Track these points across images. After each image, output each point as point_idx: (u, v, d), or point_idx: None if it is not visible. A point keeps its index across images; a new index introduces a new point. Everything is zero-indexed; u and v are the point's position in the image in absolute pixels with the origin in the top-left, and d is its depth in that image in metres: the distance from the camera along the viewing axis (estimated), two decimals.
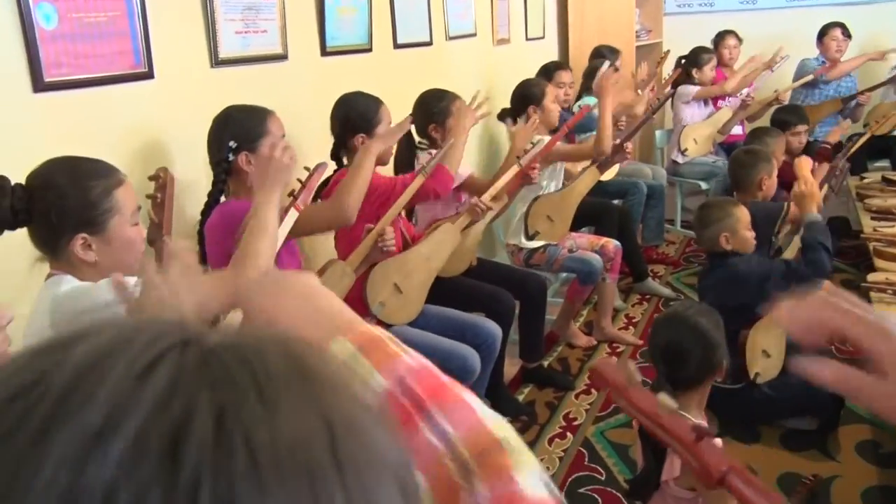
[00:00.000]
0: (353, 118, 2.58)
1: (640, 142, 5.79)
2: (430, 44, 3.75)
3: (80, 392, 0.33)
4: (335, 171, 2.64)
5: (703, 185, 5.12)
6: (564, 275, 3.77)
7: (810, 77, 5.29)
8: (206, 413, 0.33)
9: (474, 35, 4.25)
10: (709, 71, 5.20)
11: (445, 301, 2.91)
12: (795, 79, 5.39)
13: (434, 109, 3.09)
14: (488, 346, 2.79)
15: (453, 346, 2.63)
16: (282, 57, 2.74)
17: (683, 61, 5.22)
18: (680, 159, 5.21)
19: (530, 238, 3.60)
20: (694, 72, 5.19)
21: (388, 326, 2.63)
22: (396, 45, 3.45)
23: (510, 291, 3.09)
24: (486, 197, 2.84)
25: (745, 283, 2.66)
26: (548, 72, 4.42)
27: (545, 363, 3.56)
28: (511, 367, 3.46)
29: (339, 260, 2.30)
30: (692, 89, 5.19)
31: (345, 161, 2.65)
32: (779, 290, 2.51)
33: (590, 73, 4.70)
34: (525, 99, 3.65)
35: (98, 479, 0.31)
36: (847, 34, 5.30)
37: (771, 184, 3.35)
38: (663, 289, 4.35)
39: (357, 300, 2.57)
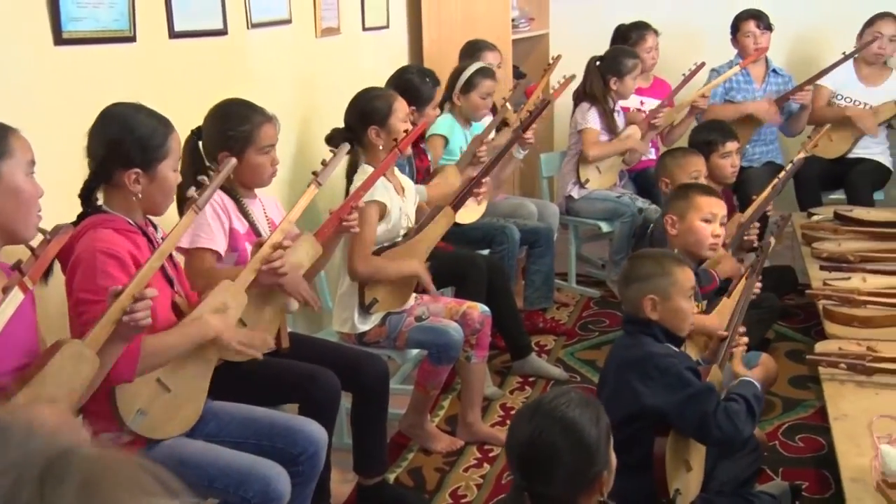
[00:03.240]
0: (128, 144, 2.43)
1: (521, 169, 5.84)
2: (223, 33, 3.67)
3: None
4: (79, 218, 2.47)
5: (605, 227, 5.24)
6: (415, 352, 3.72)
7: (736, 69, 5.50)
8: None
9: (289, 22, 4.20)
10: (631, 82, 5.27)
11: (241, 392, 2.82)
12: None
13: (230, 132, 3.01)
14: (309, 458, 2.73)
15: (251, 463, 2.54)
16: None
17: (598, 63, 5.32)
18: (576, 193, 5.30)
19: (367, 310, 3.57)
20: (613, 82, 5.24)
21: (154, 442, 2.52)
22: (173, 34, 3.35)
23: (339, 378, 3.04)
24: (276, 236, 2.75)
25: (650, 383, 2.64)
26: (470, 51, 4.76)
27: (391, 477, 3.52)
28: (342, 486, 3.42)
29: (72, 339, 2.14)
30: (591, 121, 5.25)
31: (102, 204, 2.48)
32: (683, 424, 2.59)
33: (456, 77, 4.72)
34: (364, 117, 3.62)
35: None
36: (765, 25, 5.54)
37: None
38: (553, 368, 4.38)
39: (104, 411, 2.41)
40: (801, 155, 4.35)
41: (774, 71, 5.66)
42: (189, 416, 2.60)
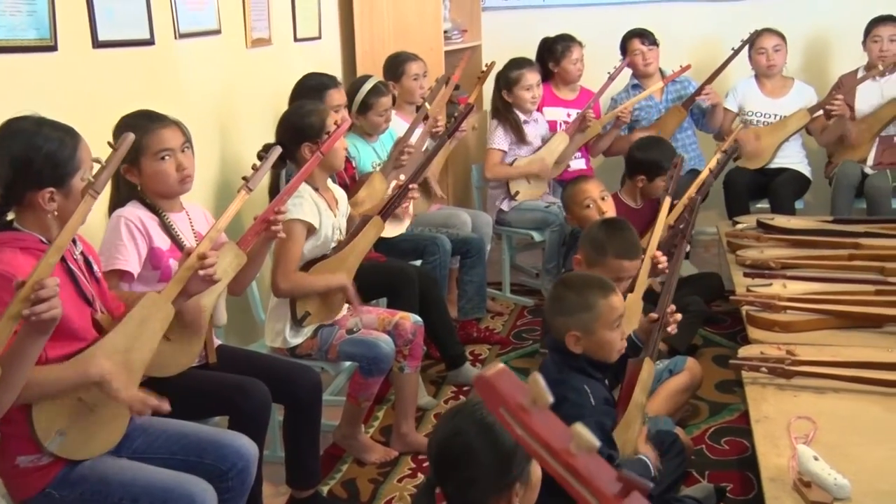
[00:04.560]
0: (37, 163, 2.34)
1: (454, 179, 5.88)
2: (150, 43, 3.64)
3: None
4: None
5: (536, 237, 5.29)
6: (348, 364, 3.71)
7: (660, 85, 5.67)
8: None
9: (218, 33, 4.18)
10: (523, 93, 5.31)
11: (170, 406, 2.69)
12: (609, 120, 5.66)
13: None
14: (238, 473, 2.69)
15: (175, 480, 2.49)
16: None
17: (503, 92, 5.42)
18: (506, 206, 5.35)
19: (300, 323, 3.56)
20: (506, 95, 5.35)
21: (76, 462, 2.47)
22: (97, 44, 3.32)
23: (271, 390, 3.02)
24: (204, 244, 2.70)
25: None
26: (393, 68, 4.92)
27: (324, 489, 3.51)
28: (275, 499, 3.40)
29: None
30: (496, 141, 5.34)
31: (14, 221, 2.41)
32: None
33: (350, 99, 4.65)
34: (298, 133, 3.59)
35: None
36: (650, 41, 5.70)
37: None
38: None
39: (21, 433, 2.37)
40: (718, 156, 4.47)
41: (673, 81, 5.79)
42: (113, 434, 2.54)
